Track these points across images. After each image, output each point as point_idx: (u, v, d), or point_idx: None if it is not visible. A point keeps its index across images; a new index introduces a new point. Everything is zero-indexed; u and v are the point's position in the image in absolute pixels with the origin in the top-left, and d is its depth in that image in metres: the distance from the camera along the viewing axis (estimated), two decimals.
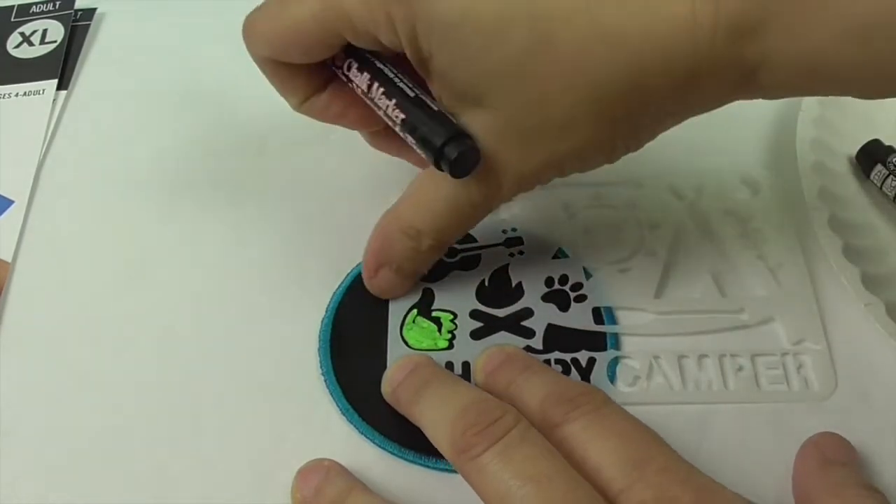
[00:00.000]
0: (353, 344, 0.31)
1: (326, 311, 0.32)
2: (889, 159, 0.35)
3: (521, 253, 0.34)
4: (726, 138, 0.37)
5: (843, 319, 0.32)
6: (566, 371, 0.30)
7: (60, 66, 0.42)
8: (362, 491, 0.27)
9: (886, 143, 0.36)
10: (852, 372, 0.30)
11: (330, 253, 0.34)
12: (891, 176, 0.34)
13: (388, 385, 0.29)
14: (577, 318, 0.32)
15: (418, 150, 0.27)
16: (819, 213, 0.34)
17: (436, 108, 0.27)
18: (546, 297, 0.32)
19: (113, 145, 0.39)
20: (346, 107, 0.31)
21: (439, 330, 0.31)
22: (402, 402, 0.28)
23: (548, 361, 0.30)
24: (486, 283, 0.33)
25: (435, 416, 0.27)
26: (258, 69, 0.30)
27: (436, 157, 0.27)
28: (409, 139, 0.27)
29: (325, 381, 0.30)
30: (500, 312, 0.32)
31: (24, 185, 0.37)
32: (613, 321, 0.32)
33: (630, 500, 0.23)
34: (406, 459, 0.29)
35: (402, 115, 0.27)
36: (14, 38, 0.44)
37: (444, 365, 0.30)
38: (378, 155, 0.38)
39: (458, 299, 0.32)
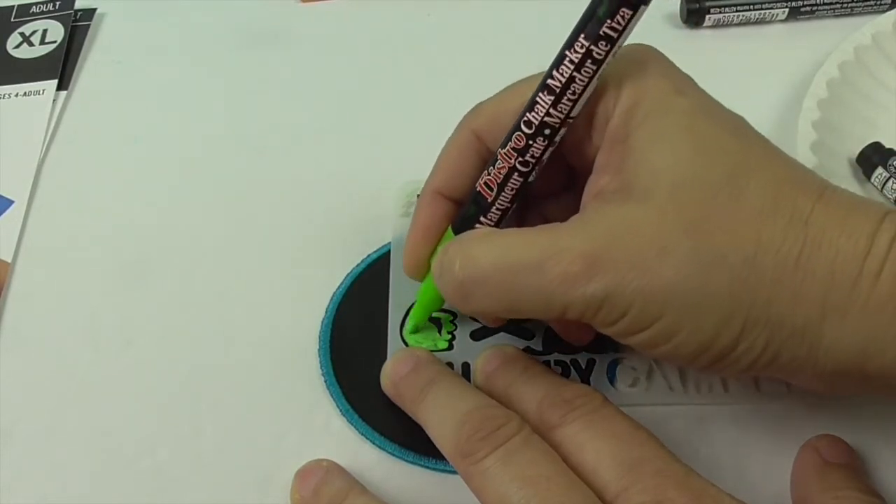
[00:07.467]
0: (353, 344, 0.31)
1: (326, 312, 0.32)
2: (890, 162, 0.35)
3: None
4: None
5: None
6: (566, 372, 0.30)
7: (60, 67, 0.42)
8: (360, 492, 0.27)
9: (887, 145, 0.35)
10: None
11: (330, 253, 0.34)
12: (891, 179, 0.34)
13: (388, 379, 0.29)
14: None
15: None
16: None
17: None
18: None
19: (113, 145, 0.39)
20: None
21: (439, 330, 0.31)
22: (405, 399, 0.28)
23: (547, 363, 0.30)
24: None
25: (439, 417, 0.26)
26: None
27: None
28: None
29: (325, 381, 0.30)
30: None
31: (24, 185, 0.37)
32: None
33: (626, 503, 0.23)
34: (405, 460, 0.29)
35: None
36: (14, 39, 0.44)
37: None
38: (377, 154, 0.38)
39: None
